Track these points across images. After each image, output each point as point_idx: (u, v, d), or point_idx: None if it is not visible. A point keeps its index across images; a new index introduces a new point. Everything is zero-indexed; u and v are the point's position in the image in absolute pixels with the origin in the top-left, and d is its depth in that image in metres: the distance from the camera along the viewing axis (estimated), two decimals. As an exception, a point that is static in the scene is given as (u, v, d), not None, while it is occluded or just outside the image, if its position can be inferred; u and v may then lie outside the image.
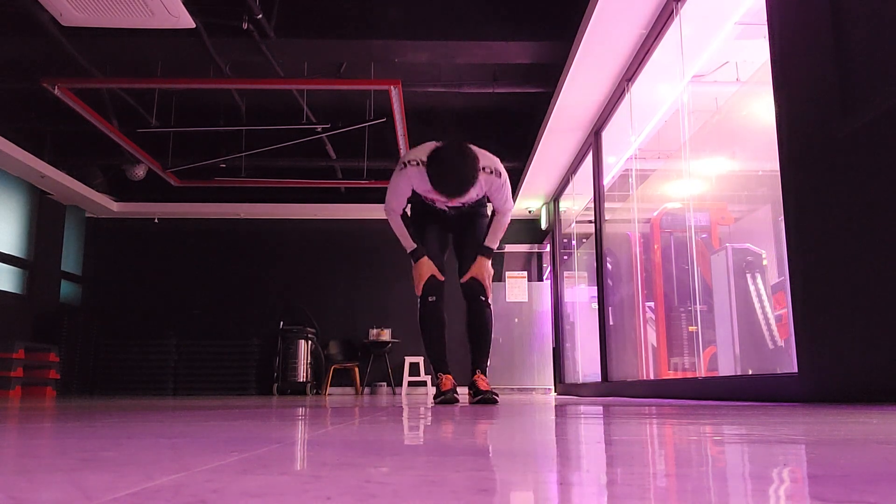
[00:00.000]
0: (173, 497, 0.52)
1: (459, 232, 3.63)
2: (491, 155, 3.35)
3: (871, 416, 1.52)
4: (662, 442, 1.08)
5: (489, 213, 3.61)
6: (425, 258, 3.46)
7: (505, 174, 3.39)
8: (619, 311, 5.89)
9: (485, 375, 3.51)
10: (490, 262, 3.54)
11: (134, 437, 1.16)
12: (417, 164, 3.22)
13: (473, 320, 3.57)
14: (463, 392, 3.62)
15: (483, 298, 3.52)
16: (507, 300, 9.22)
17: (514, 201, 3.95)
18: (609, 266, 6.03)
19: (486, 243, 3.52)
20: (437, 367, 3.54)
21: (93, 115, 6.59)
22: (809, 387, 2.43)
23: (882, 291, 2.05)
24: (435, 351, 3.55)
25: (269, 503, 0.50)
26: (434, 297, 3.49)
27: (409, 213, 3.58)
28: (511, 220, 3.58)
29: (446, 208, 3.47)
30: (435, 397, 3.50)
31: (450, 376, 3.49)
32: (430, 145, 3.19)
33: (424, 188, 3.28)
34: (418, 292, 3.51)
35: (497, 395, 3.43)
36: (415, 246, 3.46)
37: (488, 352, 3.63)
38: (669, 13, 4.18)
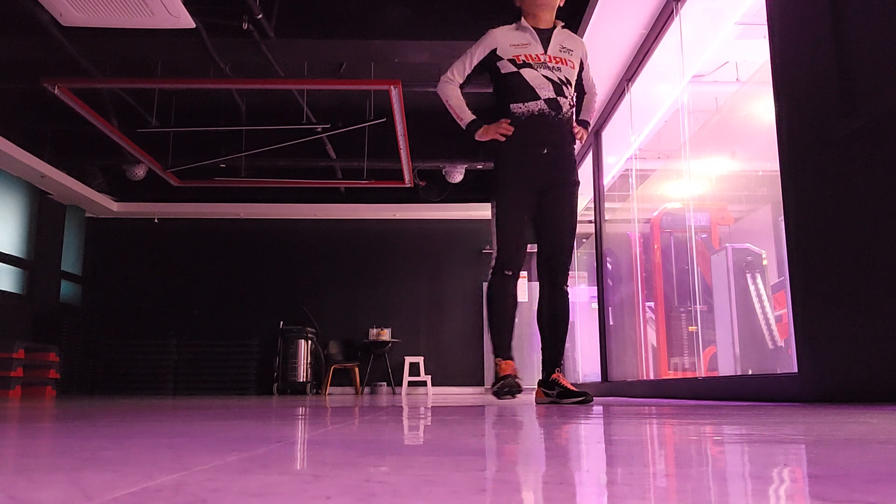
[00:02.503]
0: (173, 496, 0.52)
1: (549, 206, 3.11)
2: None
3: (871, 416, 1.52)
4: (662, 442, 1.08)
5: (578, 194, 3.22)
6: (485, 126, 3.09)
7: None
8: (619, 311, 5.89)
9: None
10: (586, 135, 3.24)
11: (134, 437, 1.16)
12: (500, 25, 3.13)
13: (552, 309, 3.11)
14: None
15: (565, 287, 3.11)
16: (507, 300, 9.19)
17: None
18: (609, 266, 6.03)
19: (583, 117, 3.27)
20: (498, 351, 3.09)
21: (93, 115, 6.59)
22: (809, 387, 2.43)
23: (882, 291, 2.05)
24: (502, 331, 3.10)
25: (269, 502, 0.50)
26: (511, 272, 3.05)
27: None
28: None
29: (546, 78, 3.03)
30: (494, 386, 3.07)
31: (511, 362, 3.05)
32: None
33: (511, 40, 3.06)
34: (496, 136, 3.08)
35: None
36: (472, 118, 3.15)
37: (564, 348, 3.19)
38: (669, 13, 4.18)
